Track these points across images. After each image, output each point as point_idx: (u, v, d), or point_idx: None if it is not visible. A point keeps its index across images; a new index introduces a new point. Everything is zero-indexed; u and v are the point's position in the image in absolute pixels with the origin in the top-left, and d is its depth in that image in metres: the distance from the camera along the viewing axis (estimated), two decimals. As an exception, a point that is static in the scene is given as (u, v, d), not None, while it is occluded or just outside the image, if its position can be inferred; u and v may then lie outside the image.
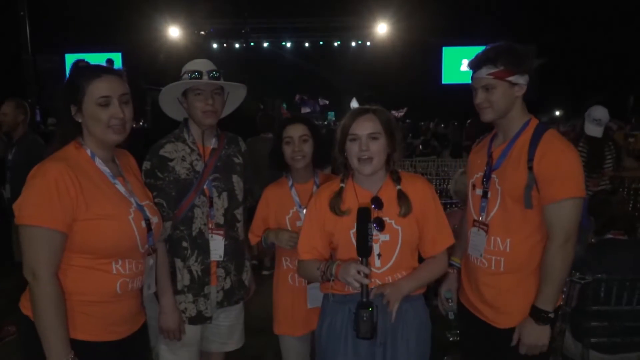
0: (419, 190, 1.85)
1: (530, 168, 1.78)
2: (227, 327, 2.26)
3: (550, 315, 1.78)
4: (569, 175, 1.76)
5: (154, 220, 1.72)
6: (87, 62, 1.66)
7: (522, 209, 1.82)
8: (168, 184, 2.04)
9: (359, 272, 1.62)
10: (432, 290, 2.30)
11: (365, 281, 1.63)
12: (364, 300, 1.64)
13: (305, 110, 14.48)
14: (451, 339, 3.05)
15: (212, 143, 2.16)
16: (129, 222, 1.61)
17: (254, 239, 2.27)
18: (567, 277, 2.43)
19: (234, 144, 2.27)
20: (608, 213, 2.70)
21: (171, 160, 2.06)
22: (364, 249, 1.65)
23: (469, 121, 8.24)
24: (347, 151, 1.82)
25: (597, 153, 4.27)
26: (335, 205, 1.83)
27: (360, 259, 1.66)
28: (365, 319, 1.62)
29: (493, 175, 1.90)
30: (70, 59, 13.73)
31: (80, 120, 1.61)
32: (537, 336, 1.81)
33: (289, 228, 2.19)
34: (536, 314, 1.80)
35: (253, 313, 2.42)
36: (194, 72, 2.05)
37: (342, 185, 1.87)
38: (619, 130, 6.87)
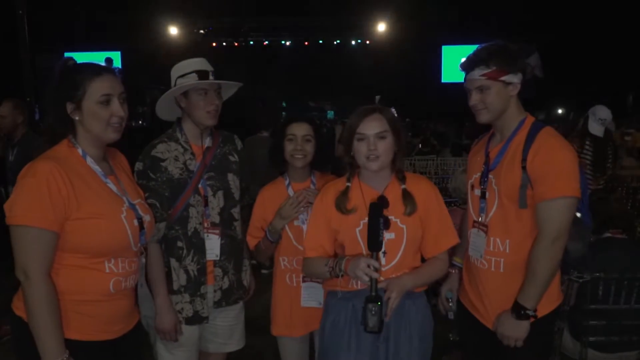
0: (423, 190, 1.88)
1: (524, 167, 1.78)
2: (226, 327, 2.24)
3: (528, 312, 1.78)
4: (562, 174, 1.74)
5: (146, 218, 1.72)
6: (75, 60, 1.66)
7: (517, 209, 1.81)
8: (161, 185, 2.03)
9: (369, 266, 1.65)
10: (431, 290, 2.31)
11: (375, 275, 1.65)
12: (373, 294, 1.66)
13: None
14: (452, 338, 3.06)
15: (206, 142, 2.15)
16: (121, 221, 1.61)
17: (252, 241, 2.24)
18: (566, 276, 2.45)
19: (230, 142, 2.26)
20: (606, 211, 2.70)
21: (163, 160, 2.05)
22: (374, 244, 1.67)
23: (467, 124, 8.25)
24: (355, 150, 1.84)
25: (602, 152, 4.28)
26: (341, 203, 1.86)
27: (370, 253, 1.69)
28: (373, 312, 1.65)
29: (490, 176, 1.89)
30: (69, 57, 13.67)
31: (77, 118, 1.61)
32: (510, 328, 1.81)
33: (287, 227, 2.18)
34: (515, 309, 1.80)
35: (252, 312, 2.41)
36: (201, 71, 2.05)
37: (348, 184, 1.90)
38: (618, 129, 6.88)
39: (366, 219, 1.72)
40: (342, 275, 1.77)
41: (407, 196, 1.84)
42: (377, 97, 1.94)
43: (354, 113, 1.87)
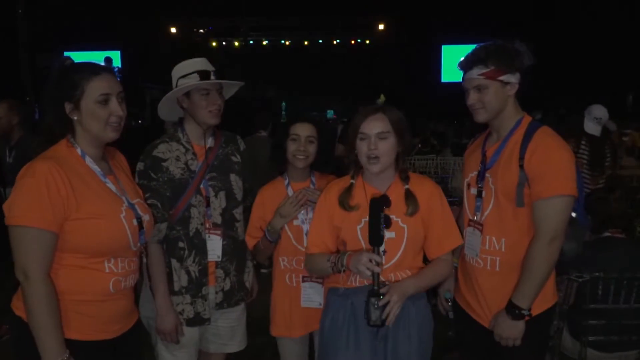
0: (426, 190, 1.89)
1: (521, 166, 1.78)
2: (228, 328, 2.24)
3: (523, 312, 1.78)
4: (559, 173, 1.75)
5: (145, 218, 1.72)
6: (72, 60, 1.65)
7: (514, 208, 1.82)
8: (162, 185, 2.03)
9: (370, 261, 1.66)
10: (431, 290, 2.31)
11: (377, 270, 1.67)
12: (376, 288, 1.67)
13: None
14: (451, 334, 3.06)
15: (208, 142, 2.15)
16: (120, 221, 1.61)
17: (251, 242, 2.23)
18: (565, 276, 2.45)
19: (232, 142, 2.26)
20: (606, 211, 2.70)
21: (165, 160, 2.05)
22: (375, 238, 1.69)
23: (467, 124, 8.24)
24: (357, 149, 1.85)
25: (598, 151, 4.27)
26: (344, 200, 1.87)
27: (371, 248, 1.70)
28: (376, 307, 1.66)
29: (487, 175, 1.90)
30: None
31: (75, 118, 1.61)
32: (507, 329, 1.81)
33: (286, 227, 2.17)
34: (510, 309, 1.80)
35: (252, 312, 2.41)
36: (202, 71, 2.05)
37: (352, 181, 1.92)
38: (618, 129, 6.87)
39: (367, 217, 1.73)
40: (344, 271, 1.78)
41: (409, 196, 1.85)
42: (382, 99, 1.94)
43: (358, 112, 1.89)
